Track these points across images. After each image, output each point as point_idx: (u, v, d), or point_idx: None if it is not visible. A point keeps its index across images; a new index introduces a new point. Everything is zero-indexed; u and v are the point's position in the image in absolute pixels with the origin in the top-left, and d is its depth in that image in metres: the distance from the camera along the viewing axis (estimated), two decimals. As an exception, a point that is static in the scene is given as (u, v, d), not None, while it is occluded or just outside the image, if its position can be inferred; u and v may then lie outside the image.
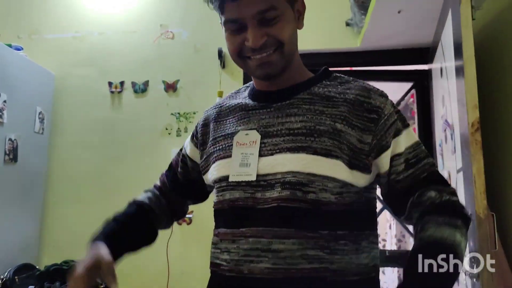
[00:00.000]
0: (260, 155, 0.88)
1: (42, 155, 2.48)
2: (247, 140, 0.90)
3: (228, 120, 0.98)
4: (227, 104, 1.01)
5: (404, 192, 0.87)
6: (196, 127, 1.07)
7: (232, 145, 0.92)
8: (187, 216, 2.39)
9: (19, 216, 2.26)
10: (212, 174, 0.95)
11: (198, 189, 1.09)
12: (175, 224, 2.36)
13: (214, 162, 0.95)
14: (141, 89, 2.57)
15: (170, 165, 1.15)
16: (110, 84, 2.59)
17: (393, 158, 0.88)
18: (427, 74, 2.36)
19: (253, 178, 0.86)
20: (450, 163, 1.76)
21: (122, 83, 2.59)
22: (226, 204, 0.90)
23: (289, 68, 0.91)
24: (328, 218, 0.84)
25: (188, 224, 2.39)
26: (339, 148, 0.84)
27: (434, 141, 2.18)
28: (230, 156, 0.91)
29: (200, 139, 1.03)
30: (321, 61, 2.52)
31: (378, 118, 0.87)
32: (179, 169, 1.10)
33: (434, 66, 2.15)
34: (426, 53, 2.29)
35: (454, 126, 1.64)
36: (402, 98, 2.54)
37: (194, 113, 2.49)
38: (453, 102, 1.64)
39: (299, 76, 0.95)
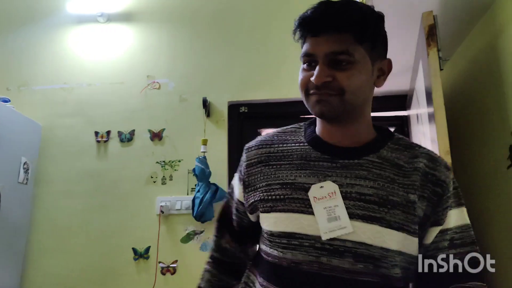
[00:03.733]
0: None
1: (26, 205, 2.46)
2: (325, 193, 0.84)
3: (283, 166, 0.91)
4: (279, 147, 0.95)
5: (438, 273, 0.85)
6: (240, 167, 1.01)
7: (295, 197, 0.86)
8: (171, 265, 2.35)
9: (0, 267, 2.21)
10: (267, 225, 0.90)
11: (256, 232, 0.99)
12: (158, 273, 2.33)
13: (268, 211, 0.89)
14: (127, 138, 2.60)
15: (224, 220, 1.09)
16: (96, 133, 2.62)
17: (439, 232, 0.86)
18: (407, 119, 2.43)
19: (350, 229, 0.81)
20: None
21: (108, 132, 2.62)
22: (285, 262, 0.85)
23: (355, 121, 0.89)
24: None
25: (172, 274, 2.35)
26: (412, 221, 0.82)
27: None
28: (292, 211, 0.86)
29: (247, 180, 0.96)
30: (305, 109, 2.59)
31: (442, 193, 0.85)
32: (234, 217, 1.05)
33: (412, 112, 2.21)
34: (404, 99, 2.37)
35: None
36: (384, 144, 2.59)
37: (179, 161, 2.51)
38: (428, 147, 1.69)
39: (366, 134, 0.91)
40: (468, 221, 0.89)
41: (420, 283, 0.88)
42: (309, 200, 0.85)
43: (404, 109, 2.42)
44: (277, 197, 0.88)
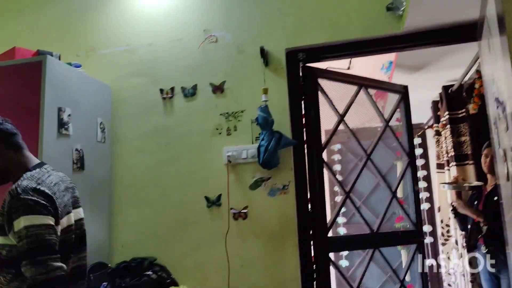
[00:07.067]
0: None
1: (106, 163, 2.67)
2: None
3: None
4: None
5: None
6: None
7: None
8: (242, 211, 2.48)
9: (89, 220, 2.45)
10: None
11: None
12: (231, 219, 2.46)
13: None
14: (190, 93, 2.69)
15: None
16: (161, 91, 2.73)
17: None
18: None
19: None
20: (505, 141, 1.69)
21: (172, 89, 2.72)
22: None
23: (12, 177, 1.54)
24: None
25: (244, 219, 2.48)
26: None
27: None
28: None
29: None
30: (365, 49, 2.50)
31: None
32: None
33: (483, 42, 2.06)
34: (474, 29, 2.20)
35: (505, 103, 1.59)
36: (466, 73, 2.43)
37: (242, 111, 2.57)
38: (502, 78, 1.58)
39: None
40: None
41: None
42: None
43: (475, 39, 2.25)
44: None
